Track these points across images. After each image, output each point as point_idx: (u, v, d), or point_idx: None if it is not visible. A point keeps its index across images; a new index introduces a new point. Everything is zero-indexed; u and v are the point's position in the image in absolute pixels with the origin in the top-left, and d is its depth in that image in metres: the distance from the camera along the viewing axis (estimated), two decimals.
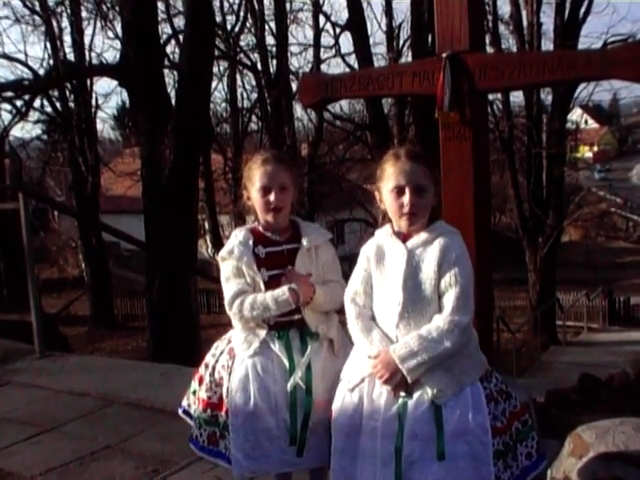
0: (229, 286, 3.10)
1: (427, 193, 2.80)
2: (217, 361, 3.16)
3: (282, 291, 3.00)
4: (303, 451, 2.99)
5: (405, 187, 2.76)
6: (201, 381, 3.21)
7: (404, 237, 2.82)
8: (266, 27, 23.84)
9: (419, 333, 2.67)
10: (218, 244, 24.28)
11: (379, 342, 2.75)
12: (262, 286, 3.05)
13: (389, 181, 2.81)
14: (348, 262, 3.26)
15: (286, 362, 3.01)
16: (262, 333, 3.06)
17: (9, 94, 16.52)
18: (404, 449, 2.61)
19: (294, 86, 23.14)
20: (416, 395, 2.66)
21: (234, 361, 3.08)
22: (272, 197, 3.07)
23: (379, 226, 2.95)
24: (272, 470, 3.11)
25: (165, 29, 20.70)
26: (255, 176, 3.11)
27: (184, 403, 3.34)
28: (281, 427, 2.99)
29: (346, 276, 3.21)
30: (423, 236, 2.79)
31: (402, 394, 2.67)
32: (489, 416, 2.67)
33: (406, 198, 2.76)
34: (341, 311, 3.18)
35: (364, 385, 2.76)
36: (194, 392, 3.26)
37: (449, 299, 2.69)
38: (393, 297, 2.76)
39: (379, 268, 2.84)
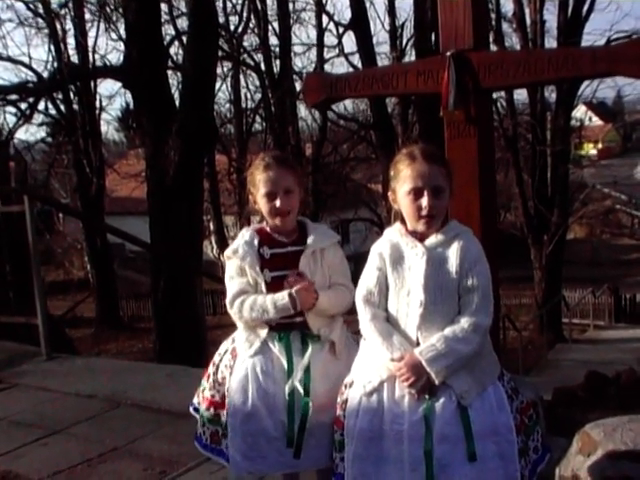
0: (231, 285, 3.11)
1: (444, 194, 2.76)
2: (221, 360, 3.17)
3: (282, 296, 2.98)
4: (300, 453, 2.97)
5: (423, 189, 2.72)
6: (208, 379, 3.22)
7: (420, 237, 2.78)
8: (269, 27, 23.90)
9: (444, 335, 2.66)
10: (223, 245, 24.27)
11: (400, 345, 2.70)
12: (263, 287, 3.05)
13: (405, 183, 2.76)
14: (353, 262, 3.25)
15: (285, 364, 3.00)
16: (263, 333, 3.06)
17: (13, 97, 16.57)
18: (435, 452, 2.58)
19: (298, 86, 23.24)
20: (442, 397, 2.63)
21: (235, 361, 3.09)
22: (278, 203, 3.05)
23: (389, 225, 2.92)
24: (269, 471, 3.12)
25: (168, 30, 20.79)
26: (259, 182, 3.08)
27: (195, 400, 3.34)
28: (279, 429, 2.97)
29: (351, 276, 3.21)
30: (440, 236, 2.76)
31: (426, 396, 2.64)
32: (511, 414, 2.68)
33: (425, 200, 2.72)
34: (346, 312, 3.17)
35: (383, 388, 2.72)
36: (203, 390, 3.25)
37: (471, 300, 2.69)
38: (414, 298, 2.72)
39: (396, 268, 2.78)
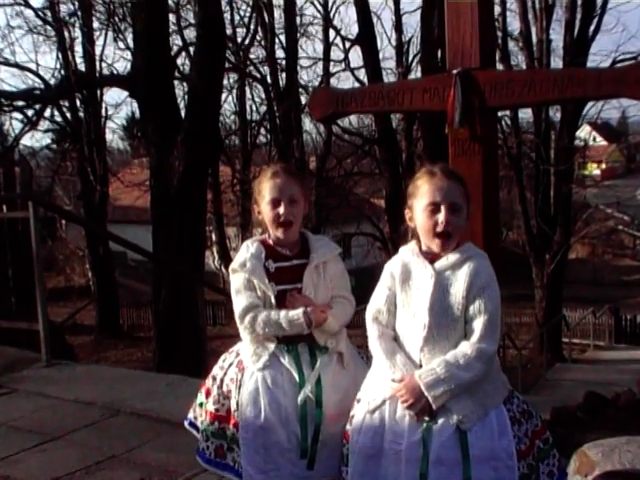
0: (240, 299, 3.07)
1: (462, 212, 2.76)
2: (225, 374, 3.14)
3: (297, 315, 2.97)
4: (314, 464, 2.97)
5: (441, 204, 2.71)
6: (208, 394, 3.19)
7: (432, 257, 2.77)
8: (276, 40, 23.96)
9: (446, 359, 2.64)
10: (225, 256, 24.32)
11: (403, 365, 2.70)
12: (273, 300, 3.04)
13: (423, 198, 2.75)
14: (354, 276, 3.25)
15: (296, 375, 2.99)
16: (271, 346, 3.04)
17: (20, 103, 16.62)
18: (430, 475, 2.57)
19: (303, 99, 23.26)
20: (441, 420, 2.62)
21: (243, 374, 3.06)
22: (282, 209, 3.04)
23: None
24: None
25: (176, 41, 20.85)
26: (265, 189, 3.08)
27: (190, 415, 3.32)
28: (292, 440, 2.96)
29: (353, 290, 3.21)
30: (452, 258, 2.73)
31: (425, 419, 2.63)
32: (514, 439, 2.64)
33: (441, 216, 2.70)
34: (349, 326, 3.18)
35: (385, 407, 2.72)
36: (201, 404, 3.24)
37: (477, 326, 2.66)
38: (419, 320, 2.71)
39: (404, 288, 2.77)
